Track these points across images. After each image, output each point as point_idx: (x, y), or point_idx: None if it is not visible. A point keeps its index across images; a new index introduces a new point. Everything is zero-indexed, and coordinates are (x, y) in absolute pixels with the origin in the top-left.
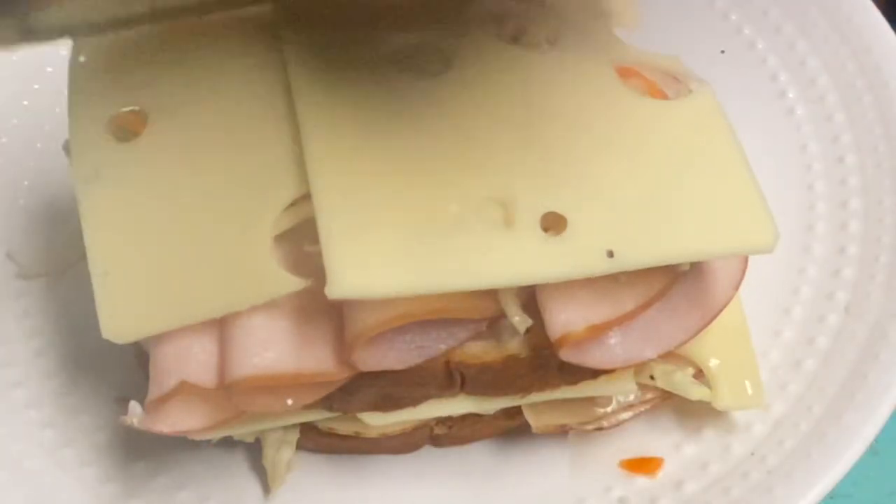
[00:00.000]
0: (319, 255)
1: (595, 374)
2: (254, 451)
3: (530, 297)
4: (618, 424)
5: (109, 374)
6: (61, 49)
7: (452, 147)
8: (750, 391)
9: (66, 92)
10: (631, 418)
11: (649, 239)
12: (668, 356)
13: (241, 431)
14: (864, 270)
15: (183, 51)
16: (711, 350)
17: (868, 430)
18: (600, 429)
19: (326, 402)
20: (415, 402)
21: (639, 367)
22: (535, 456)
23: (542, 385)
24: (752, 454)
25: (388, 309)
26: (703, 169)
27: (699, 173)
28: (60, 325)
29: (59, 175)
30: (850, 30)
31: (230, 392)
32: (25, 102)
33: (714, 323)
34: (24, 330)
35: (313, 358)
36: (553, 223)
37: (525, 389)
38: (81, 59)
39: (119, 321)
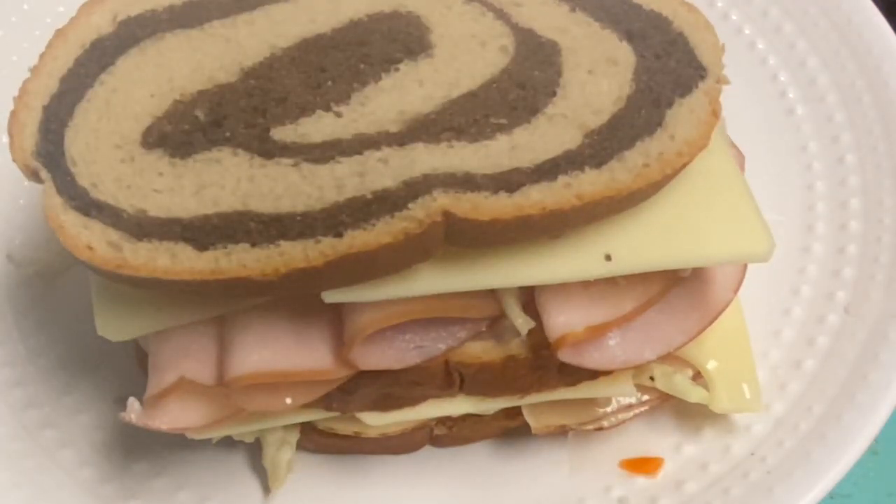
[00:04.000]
0: None
1: (594, 375)
2: (254, 451)
3: (530, 298)
4: (618, 424)
5: (109, 374)
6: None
7: None
8: (748, 395)
9: None
10: (631, 418)
11: (646, 245)
12: (668, 358)
13: (241, 431)
14: (864, 270)
15: None
16: (710, 353)
17: (868, 430)
18: (600, 429)
19: (326, 402)
20: (414, 401)
21: (638, 369)
22: (535, 456)
23: (542, 386)
24: (752, 454)
25: (387, 307)
26: (700, 179)
27: (696, 183)
28: (60, 325)
29: None
30: (850, 30)
31: (229, 389)
32: None
33: (713, 326)
34: (24, 330)
35: (312, 356)
36: None
37: (524, 390)
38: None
39: (114, 319)
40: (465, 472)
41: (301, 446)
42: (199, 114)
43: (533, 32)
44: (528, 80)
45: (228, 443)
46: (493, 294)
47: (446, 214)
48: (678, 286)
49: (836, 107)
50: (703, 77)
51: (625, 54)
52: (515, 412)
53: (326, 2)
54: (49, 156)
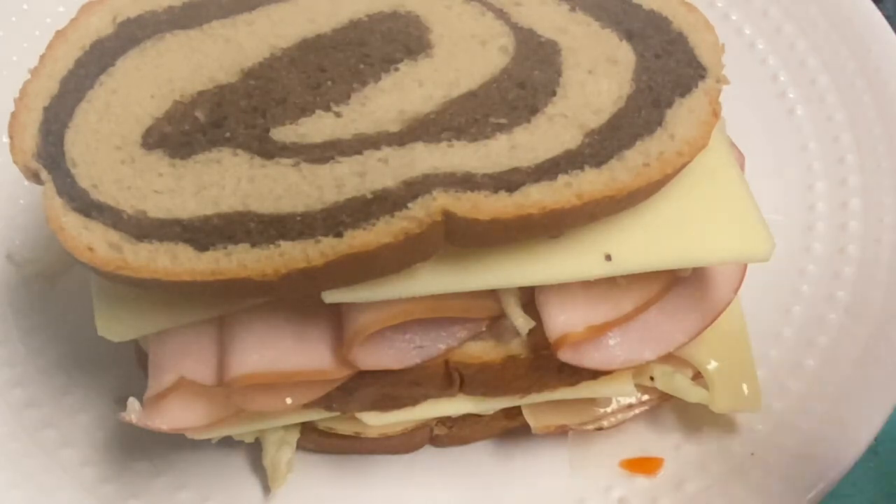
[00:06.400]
0: None
1: (594, 375)
2: (254, 451)
3: (530, 298)
4: (617, 424)
5: (109, 373)
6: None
7: None
8: (747, 394)
9: None
10: (631, 418)
11: (646, 245)
12: (667, 358)
13: (241, 431)
14: (864, 270)
15: None
16: (710, 352)
17: (868, 430)
18: (600, 429)
19: (326, 402)
20: (414, 401)
21: (638, 369)
22: (535, 456)
23: (542, 386)
24: (752, 454)
25: (387, 307)
26: (700, 179)
27: (696, 183)
28: (60, 325)
29: None
30: (850, 30)
31: (229, 389)
32: None
33: (713, 326)
34: (24, 329)
35: (312, 356)
36: None
37: (524, 390)
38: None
39: (114, 319)
40: (465, 472)
41: (301, 446)
42: (199, 114)
43: (533, 32)
44: (528, 79)
45: (228, 443)
46: (493, 294)
47: (446, 214)
48: (678, 286)
49: (836, 107)
50: (703, 77)
51: (625, 54)
52: (515, 412)
53: (326, 2)
54: (49, 157)
